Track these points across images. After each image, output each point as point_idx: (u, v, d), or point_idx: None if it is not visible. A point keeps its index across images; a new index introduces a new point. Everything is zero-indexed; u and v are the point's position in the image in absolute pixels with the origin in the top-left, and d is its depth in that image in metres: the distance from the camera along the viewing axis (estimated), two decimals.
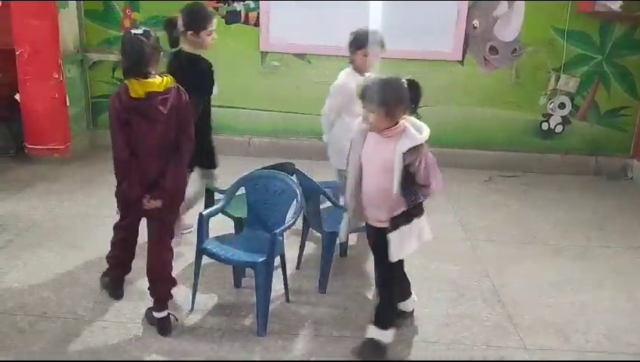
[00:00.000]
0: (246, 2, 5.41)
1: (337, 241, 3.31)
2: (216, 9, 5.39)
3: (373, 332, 2.73)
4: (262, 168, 3.38)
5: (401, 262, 2.75)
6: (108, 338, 2.82)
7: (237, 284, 3.29)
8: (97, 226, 3.84)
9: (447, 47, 5.47)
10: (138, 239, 3.17)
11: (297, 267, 3.53)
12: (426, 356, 2.82)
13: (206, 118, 3.52)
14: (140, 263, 3.18)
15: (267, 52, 5.54)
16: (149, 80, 2.72)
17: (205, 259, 3.02)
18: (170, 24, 3.43)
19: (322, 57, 5.47)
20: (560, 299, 3.37)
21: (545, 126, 5.64)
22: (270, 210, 3.15)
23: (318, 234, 3.47)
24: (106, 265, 3.19)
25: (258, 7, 5.42)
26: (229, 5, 5.44)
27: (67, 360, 2.66)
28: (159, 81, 2.74)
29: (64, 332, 2.84)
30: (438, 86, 5.49)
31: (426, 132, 2.57)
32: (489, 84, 5.55)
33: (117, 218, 3.10)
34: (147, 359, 2.70)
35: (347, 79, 3.52)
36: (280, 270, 3.13)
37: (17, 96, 5.11)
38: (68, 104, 5.24)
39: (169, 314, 2.92)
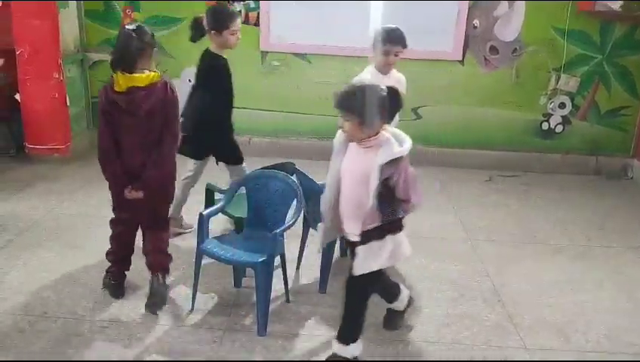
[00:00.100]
0: (246, 2, 5.41)
1: (337, 242, 3.31)
2: None
3: (336, 346, 2.65)
4: (262, 168, 3.39)
5: (375, 276, 2.55)
6: (108, 338, 2.82)
7: (237, 284, 3.29)
8: (97, 226, 3.84)
9: (448, 47, 5.47)
10: (137, 240, 3.19)
11: (297, 267, 3.52)
12: (426, 356, 2.82)
13: (227, 116, 3.62)
14: (140, 263, 3.19)
15: (267, 52, 5.54)
16: (134, 75, 2.78)
17: (205, 259, 3.02)
18: (195, 23, 3.52)
19: (322, 57, 5.48)
20: (560, 298, 3.37)
21: (545, 126, 5.64)
22: (270, 210, 3.15)
23: None
24: (107, 265, 3.19)
25: (258, 7, 5.42)
26: (229, 5, 5.44)
27: (67, 360, 2.66)
28: (144, 76, 2.79)
29: (64, 332, 2.84)
30: (439, 86, 5.49)
31: (407, 144, 2.42)
32: (489, 84, 5.55)
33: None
34: (147, 359, 2.70)
35: (366, 78, 3.32)
36: (280, 270, 3.12)
37: (17, 96, 5.11)
38: (68, 104, 5.24)
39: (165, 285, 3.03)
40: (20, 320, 2.92)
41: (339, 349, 2.63)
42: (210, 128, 3.53)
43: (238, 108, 3.76)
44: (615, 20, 5.28)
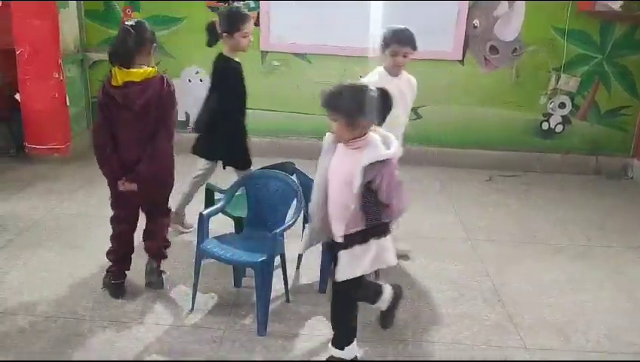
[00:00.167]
0: (246, 2, 5.41)
1: None
2: (217, 8, 5.40)
3: (332, 351, 2.64)
4: (262, 168, 3.39)
5: (358, 281, 2.50)
6: (108, 338, 2.82)
7: (237, 284, 3.29)
8: (97, 226, 3.84)
9: (448, 46, 5.47)
10: (137, 239, 3.19)
11: (297, 267, 3.52)
12: (426, 356, 2.82)
13: (241, 119, 3.61)
14: (140, 263, 3.19)
15: (267, 51, 5.54)
16: (131, 70, 2.83)
17: (205, 259, 3.02)
18: (210, 27, 3.54)
19: (322, 57, 5.48)
20: (560, 298, 3.37)
21: (545, 125, 5.64)
22: (270, 209, 3.15)
23: None
24: (107, 265, 3.19)
25: (258, 7, 5.41)
26: (229, 5, 5.43)
27: (67, 360, 2.66)
28: (141, 71, 2.84)
29: (64, 332, 2.84)
30: (439, 86, 5.49)
31: (394, 147, 2.36)
32: (489, 84, 5.55)
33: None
34: (147, 359, 2.70)
35: (373, 79, 3.31)
36: (280, 270, 3.12)
37: (17, 96, 5.11)
38: (68, 104, 5.24)
39: (161, 272, 3.18)
40: (20, 320, 2.92)
41: (335, 353, 2.63)
42: (224, 130, 3.54)
43: None
44: (615, 20, 5.28)
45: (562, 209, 4.76)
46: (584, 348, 2.93)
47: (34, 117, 5.12)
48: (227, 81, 3.53)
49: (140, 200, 3.08)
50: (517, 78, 5.53)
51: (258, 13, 5.42)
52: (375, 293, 2.73)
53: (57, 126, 5.21)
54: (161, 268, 3.20)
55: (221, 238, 3.09)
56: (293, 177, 3.22)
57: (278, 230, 2.92)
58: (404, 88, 3.44)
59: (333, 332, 2.66)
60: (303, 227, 3.49)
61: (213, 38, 3.52)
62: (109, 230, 3.16)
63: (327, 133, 2.51)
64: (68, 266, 3.45)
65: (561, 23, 5.32)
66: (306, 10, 5.39)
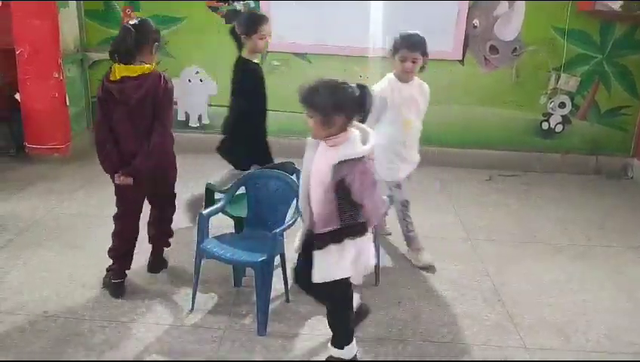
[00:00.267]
0: (246, 1, 5.41)
1: None
2: (217, 8, 5.41)
3: (332, 350, 2.63)
4: (262, 168, 3.39)
5: (344, 283, 2.44)
6: (108, 338, 2.82)
7: (237, 284, 3.29)
8: (97, 226, 3.84)
9: (448, 46, 5.46)
10: (138, 239, 3.19)
11: None
12: (426, 356, 2.81)
13: (262, 121, 3.70)
14: (140, 263, 3.19)
15: (267, 51, 5.54)
16: (130, 66, 2.88)
17: (205, 259, 3.02)
18: (232, 31, 3.58)
19: (323, 57, 5.48)
20: (560, 298, 3.37)
21: (545, 125, 5.64)
22: (270, 209, 3.15)
23: None
24: (107, 265, 3.19)
25: (258, 7, 5.41)
26: (229, 5, 5.44)
27: (67, 360, 2.66)
28: (138, 67, 2.89)
29: (64, 332, 2.84)
30: (439, 86, 5.44)
31: (368, 145, 2.29)
32: (489, 84, 5.55)
33: None
34: (147, 359, 2.70)
35: (382, 86, 3.33)
36: (280, 269, 3.12)
37: (17, 96, 5.11)
38: (68, 103, 5.24)
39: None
40: (20, 320, 2.92)
41: (335, 353, 2.63)
42: (245, 132, 3.59)
43: None
44: (615, 20, 5.28)
45: (562, 209, 4.76)
46: (584, 348, 2.93)
47: (34, 117, 5.12)
48: (247, 84, 3.57)
49: (142, 196, 3.15)
50: (517, 78, 5.52)
51: None
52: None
53: (57, 126, 5.21)
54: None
55: (221, 238, 3.09)
56: (293, 177, 3.21)
57: (278, 230, 2.91)
58: (415, 94, 3.45)
59: (332, 334, 2.66)
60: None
61: (239, 42, 3.55)
62: (109, 230, 3.16)
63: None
64: (68, 266, 3.45)
65: (561, 22, 5.32)
66: (306, 10, 5.39)
